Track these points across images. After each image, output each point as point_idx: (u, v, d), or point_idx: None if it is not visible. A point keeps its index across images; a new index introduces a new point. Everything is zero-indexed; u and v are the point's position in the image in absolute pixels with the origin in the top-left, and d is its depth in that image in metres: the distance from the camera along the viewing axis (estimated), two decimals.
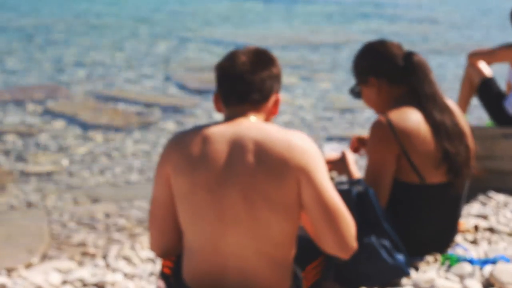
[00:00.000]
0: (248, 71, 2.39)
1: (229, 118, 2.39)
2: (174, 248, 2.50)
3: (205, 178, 2.29)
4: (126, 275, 3.78)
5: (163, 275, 2.54)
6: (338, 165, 3.26)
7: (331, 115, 7.79)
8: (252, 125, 2.33)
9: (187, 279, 2.40)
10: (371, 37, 3.27)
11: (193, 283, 2.39)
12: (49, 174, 5.71)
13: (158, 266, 3.85)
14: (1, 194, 5.29)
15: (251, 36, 13.39)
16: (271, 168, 2.25)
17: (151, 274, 3.76)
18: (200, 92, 8.68)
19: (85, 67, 10.26)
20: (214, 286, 2.36)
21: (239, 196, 2.26)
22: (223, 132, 2.33)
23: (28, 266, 4.11)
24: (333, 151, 3.35)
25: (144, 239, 4.41)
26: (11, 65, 10.42)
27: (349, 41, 13.34)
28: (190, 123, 7.16)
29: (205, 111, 7.74)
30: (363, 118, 7.55)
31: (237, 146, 2.29)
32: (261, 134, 2.29)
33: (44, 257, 4.25)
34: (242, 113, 2.38)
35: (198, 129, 2.36)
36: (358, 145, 3.50)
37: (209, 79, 8.98)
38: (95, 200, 5.18)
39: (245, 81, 2.38)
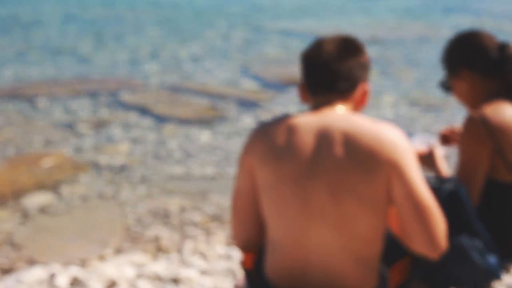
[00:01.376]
0: (335, 59, 2.35)
1: (315, 108, 2.35)
2: (256, 240, 2.48)
3: (291, 169, 2.26)
4: (200, 270, 3.79)
5: (244, 269, 2.52)
6: (425, 160, 3.19)
7: (413, 112, 7.68)
8: (340, 116, 2.29)
9: (269, 273, 2.38)
10: (454, 32, 3.17)
11: (275, 278, 2.36)
12: (122, 167, 5.77)
13: (233, 262, 3.84)
14: (74, 186, 5.37)
15: (329, 29, 13.32)
16: (360, 161, 2.20)
17: (226, 270, 3.76)
18: (276, 85, 8.65)
19: (159, 59, 10.36)
20: (297, 282, 2.33)
21: (326, 189, 2.22)
22: (309, 122, 2.29)
23: (101, 258, 4.15)
24: (422, 143, 3.28)
25: (220, 235, 4.40)
26: (85, 57, 10.60)
27: (431, 36, 13.13)
28: (265, 117, 7.14)
29: (281, 105, 7.71)
30: (447, 115, 7.42)
31: (324, 137, 2.25)
32: (350, 125, 2.24)
33: (118, 250, 4.29)
34: (329, 103, 2.34)
35: (283, 119, 2.33)
36: (448, 138, 3.42)
37: (286, 73, 8.97)
38: (169, 194, 5.21)
39: (332, 69, 2.35)
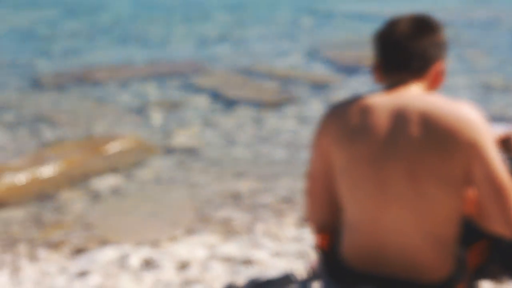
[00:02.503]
0: (409, 37, 2.33)
1: (389, 87, 2.34)
2: (331, 221, 2.48)
3: (366, 150, 2.24)
4: (272, 252, 3.80)
5: (319, 250, 2.53)
6: (503, 144, 3.14)
7: (488, 94, 7.55)
8: (415, 95, 2.26)
9: (345, 254, 2.38)
10: None
11: (350, 259, 2.36)
12: (193, 149, 5.82)
13: (305, 244, 3.85)
14: (146, 168, 5.44)
15: (399, 12, 13.11)
16: (438, 141, 2.17)
17: (298, 252, 3.76)
18: (345, 68, 8.60)
19: (229, 43, 10.40)
20: (373, 263, 2.32)
21: (403, 170, 2.20)
22: (384, 102, 2.27)
23: (172, 239, 4.20)
24: (499, 128, 3.22)
25: (291, 217, 4.41)
26: (155, 41, 10.70)
27: (503, 19, 12.86)
28: (334, 100, 7.09)
29: (350, 88, 7.66)
30: None
31: (400, 118, 2.23)
32: (427, 105, 2.21)
33: (189, 231, 4.33)
34: (403, 82, 2.32)
35: (356, 99, 2.32)
36: None
37: (355, 56, 8.91)
38: (239, 176, 5.23)
39: (405, 48, 2.33)
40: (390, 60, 2.36)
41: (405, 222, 2.24)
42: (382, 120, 2.24)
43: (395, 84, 2.33)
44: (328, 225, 2.49)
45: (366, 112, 2.26)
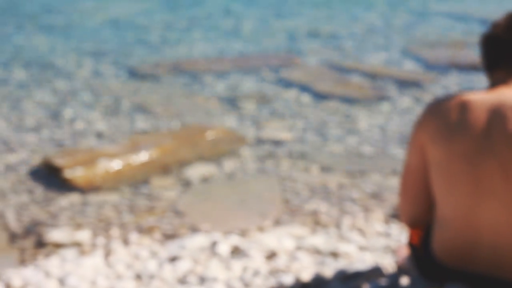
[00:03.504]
0: (508, 34, 2.29)
1: (492, 85, 2.30)
2: (423, 217, 2.45)
3: (463, 147, 2.21)
4: (359, 246, 3.78)
5: (410, 245, 2.50)
6: None
7: None
8: None
9: (437, 251, 2.35)
10: None
11: (442, 255, 2.33)
12: (282, 141, 5.83)
13: (392, 240, 3.81)
14: (236, 159, 5.47)
15: (497, 13, 12.87)
16: None
17: (385, 247, 3.73)
18: (438, 67, 8.46)
19: (319, 38, 10.36)
20: (465, 260, 2.29)
21: (497, 167, 2.16)
22: (483, 100, 2.23)
23: (261, 229, 4.21)
24: None
25: (378, 212, 4.38)
26: (248, 34, 10.75)
27: None
28: (426, 99, 7.01)
29: (442, 87, 7.54)
30: None
31: (497, 115, 2.19)
32: None
33: (276, 222, 4.34)
34: (505, 81, 2.28)
35: (456, 96, 2.29)
36: None
37: (447, 55, 8.76)
38: (327, 170, 5.22)
39: (505, 45, 2.28)
40: (492, 58, 2.33)
41: (499, 220, 2.20)
42: (479, 117, 2.21)
43: (497, 83, 2.30)
44: (420, 220, 2.47)
45: (464, 109, 2.23)
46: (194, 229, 4.27)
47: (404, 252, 3.13)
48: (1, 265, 3.81)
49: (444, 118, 2.25)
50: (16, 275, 3.47)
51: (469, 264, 2.27)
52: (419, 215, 2.43)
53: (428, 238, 2.40)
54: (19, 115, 6.62)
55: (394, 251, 3.58)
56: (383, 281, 3.06)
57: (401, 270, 3.20)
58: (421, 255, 2.45)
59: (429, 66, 8.52)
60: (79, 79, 7.97)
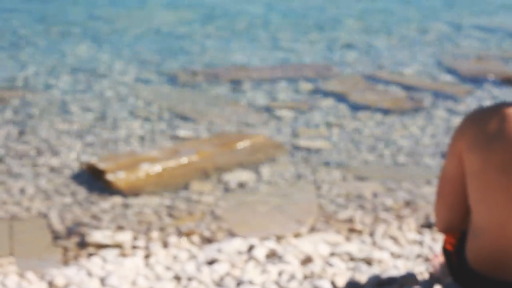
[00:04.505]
0: None
1: None
2: (458, 224, 2.45)
3: (499, 157, 2.20)
4: (393, 254, 3.77)
5: (445, 251, 2.49)
6: None
7: None
8: None
9: (470, 258, 2.34)
10: None
11: (476, 263, 2.32)
12: (318, 150, 5.83)
13: (426, 248, 3.80)
14: (273, 166, 5.48)
15: None
16: None
17: (418, 255, 3.72)
18: (472, 80, 8.40)
19: (356, 49, 10.35)
20: (498, 268, 2.28)
21: None
22: None
23: (297, 235, 4.22)
24: None
25: (411, 221, 4.36)
26: (286, 44, 10.77)
27: None
28: (461, 111, 6.96)
29: (477, 99, 7.49)
30: None
31: None
32: None
33: (312, 229, 4.35)
34: None
35: (497, 107, 2.27)
36: None
37: (482, 67, 8.69)
38: (362, 179, 5.21)
39: None
40: None
41: None
42: None
43: None
44: (455, 227, 2.47)
45: (503, 120, 2.22)
46: (231, 234, 4.29)
47: (438, 259, 3.12)
48: (45, 264, 3.86)
49: (482, 127, 2.24)
50: (59, 274, 3.52)
51: (502, 272, 2.26)
52: (454, 222, 2.43)
53: (463, 245, 2.39)
54: (64, 120, 6.69)
55: (428, 259, 3.57)
56: None
57: (434, 277, 3.19)
58: (455, 261, 2.44)
59: (463, 78, 8.47)
60: (122, 86, 8.04)
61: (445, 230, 2.47)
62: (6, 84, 8.11)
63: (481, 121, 2.25)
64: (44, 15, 13.07)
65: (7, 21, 12.58)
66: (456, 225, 2.43)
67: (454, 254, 2.44)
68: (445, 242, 2.49)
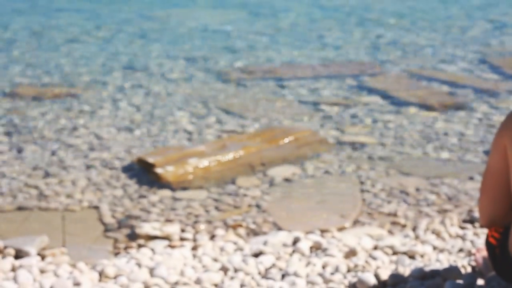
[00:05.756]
0: None
1: None
2: (502, 218, 2.41)
3: None
4: (435, 248, 3.73)
5: (488, 245, 2.46)
6: None
7: None
8: None
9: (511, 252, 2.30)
10: None
11: None
12: (363, 145, 5.80)
13: (468, 242, 3.75)
14: (318, 161, 5.47)
15: None
16: None
17: (460, 250, 3.67)
18: None
19: (400, 46, 10.26)
20: None
21: None
22: None
23: (341, 229, 4.20)
24: None
25: (454, 216, 4.31)
26: (332, 42, 10.73)
27: None
28: (504, 107, 6.86)
29: None
30: None
31: None
32: None
33: (356, 223, 4.32)
34: None
35: None
36: None
37: None
38: (406, 174, 5.17)
39: None
40: None
41: None
42: None
43: None
44: (499, 221, 2.43)
45: None
46: (276, 227, 4.29)
47: (482, 253, 3.07)
48: (96, 255, 3.90)
49: None
50: (110, 265, 3.55)
51: None
52: (498, 216, 2.39)
53: (506, 239, 2.36)
54: (115, 115, 6.76)
55: (470, 253, 3.52)
56: (460, 281, 3.01)
57: (477, 271, 3.14)
58: (498, 255, 2.40)
59: (507, 75, 8.34)
60: (171, 82, 8.09)
61: (488, 224, 2.43)
62: (59, 81, 8.22)
63: None
64: (96, 15, 13.21)
65: (61, 19, 12.74)
66: (499, 219, 2.39)
67: (497, 248, 2.40)
68: (489, 236, 2.45)
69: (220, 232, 4.18)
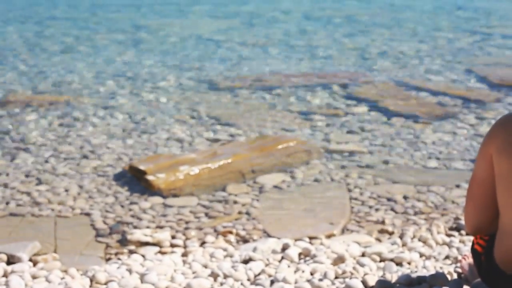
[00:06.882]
0: None
1: None
2: (487, 226, 2.42)
3: None
4: (422, 255, 3.74)
5: (474, 252, 2.47)
6: None
7: None
8: None
9: (497, 260, 2.31)
10: None
11: (503, 265, 2.29)
12: (351, 154, 5.81)
13: (454, 250, 3.76)
14: (307, 168, 5.47)
15: None
16: None
17: (446, 257, 3.68)
18: (501, 87, 8.32)
19: (388, 57, 10.31)
20: None
21: None
22: None
23: (329, 236, 4.20)
24: None
25: (441, 224, 4.32)
26: (320, 52, 10.76)
27: None
28: (491, 117, 6.89)
29: (507, 106, 7.41)
30: None
31: None
32: None
33: (344, 230, 4.33)
34: None
35: None
36: None
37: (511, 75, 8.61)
38: (393, 182, 5.17)
39: None
40: None
41: None
42: None
43: None
44: (484, 229, 2.44)
45: None
46: (266, 234, 4.29)
47: (467, 260, 3.08)
48: (87, 261, 3.89)
49: (511, 132, 2.21)
50: (101, 271, 3.54)
51: None
52: (483, 224, 2.40)
53: (492, 246, 2.36)
54: (108, 123, 6.75)
55: (456, 260, 3.53)
56: None
57: (463, 277, 3.15)
58: (483, 262, 2.41)
59: (493, 85, 8.39)
60: (163, 90, 8.10)
61: (474, 231, 2.44)
62: (53, 88, 8.21)
63: (510, 126, 2.22)
64: (89, 23, 13.19)
65: (54, 28, 12.73)
66: (485, 226, 2.40)
67: (483, 255, 2.41)
68: (474, 243, 2.46)
69: (210, 238, 4.17)
